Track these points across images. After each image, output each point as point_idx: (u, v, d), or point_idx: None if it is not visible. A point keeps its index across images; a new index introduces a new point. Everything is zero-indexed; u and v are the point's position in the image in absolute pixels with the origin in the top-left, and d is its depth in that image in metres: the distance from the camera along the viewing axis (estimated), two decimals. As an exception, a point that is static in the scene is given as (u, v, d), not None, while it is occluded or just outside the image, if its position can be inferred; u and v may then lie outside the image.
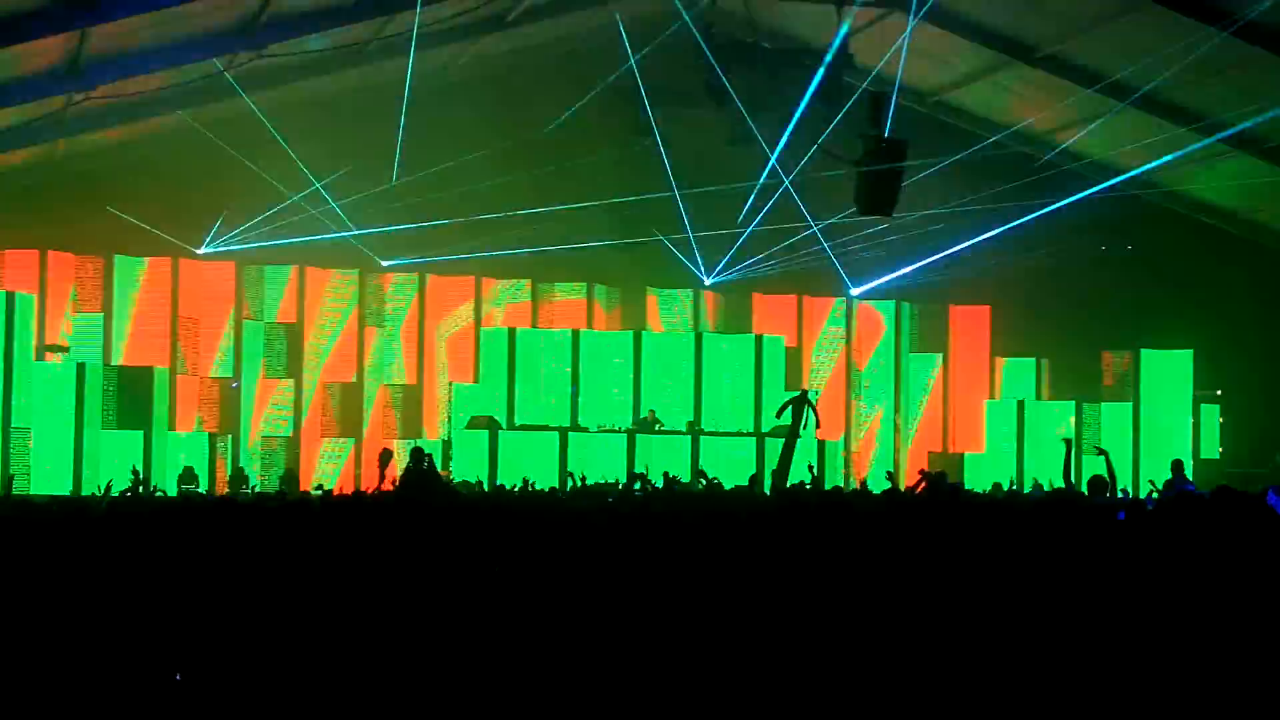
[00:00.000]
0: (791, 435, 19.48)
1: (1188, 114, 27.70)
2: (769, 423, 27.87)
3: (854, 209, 24.44)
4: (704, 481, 20.81)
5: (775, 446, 24.00)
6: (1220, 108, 27.31)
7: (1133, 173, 28.64)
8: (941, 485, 19.58)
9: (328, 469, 30.74)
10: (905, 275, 31.55)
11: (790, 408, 22.34)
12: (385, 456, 17.84)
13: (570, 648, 7.10)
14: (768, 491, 20.58)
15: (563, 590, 8.13)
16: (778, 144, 27.52)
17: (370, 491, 16.95)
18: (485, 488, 23.30)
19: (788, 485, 19.54)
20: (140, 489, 18.91)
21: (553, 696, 6.64)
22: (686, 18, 25.35)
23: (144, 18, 21.32)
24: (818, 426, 23.93)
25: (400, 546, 9.27)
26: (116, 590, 7.81)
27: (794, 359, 32.67)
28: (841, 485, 27.91)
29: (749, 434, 29.14)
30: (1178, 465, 22.16)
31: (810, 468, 20.40)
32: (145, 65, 24.04)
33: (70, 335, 29.28)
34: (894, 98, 23.89)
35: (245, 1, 22.85)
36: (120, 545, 9.49)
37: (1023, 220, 28.34)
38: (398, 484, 17.40)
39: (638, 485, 17.47)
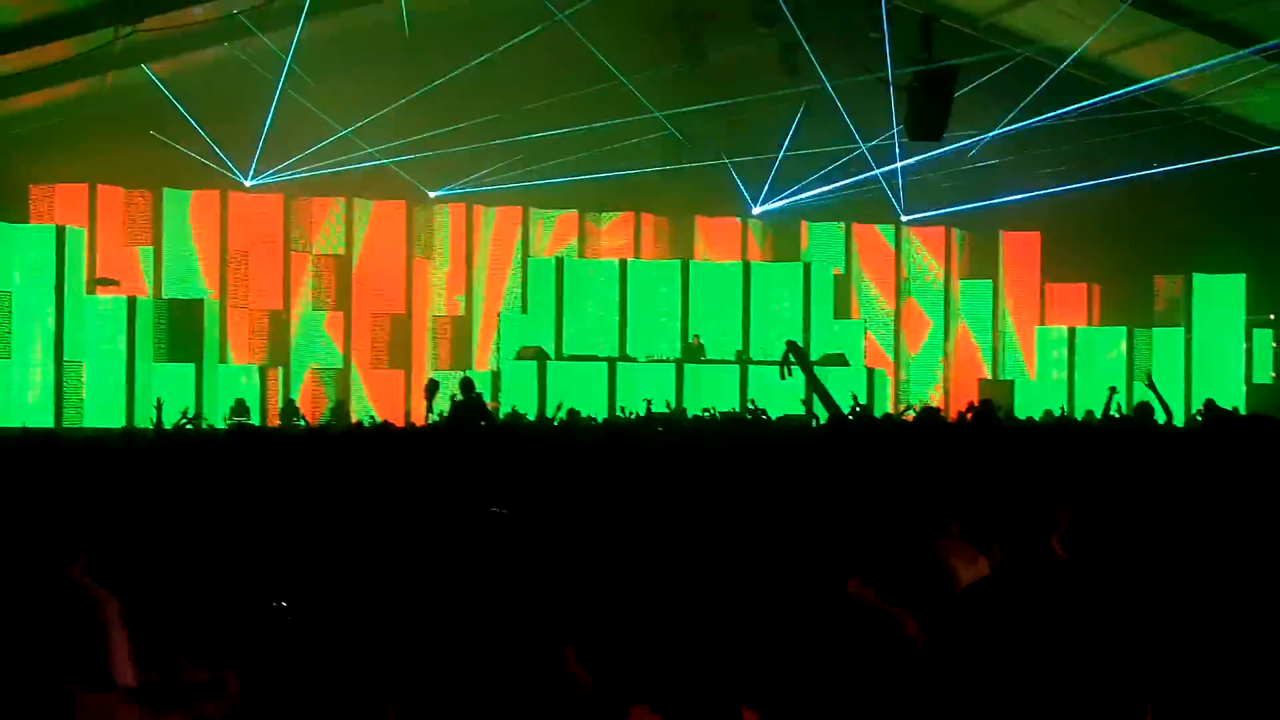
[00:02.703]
0: (810, 377, 19.42)
1: (1245, 35, 27.31)
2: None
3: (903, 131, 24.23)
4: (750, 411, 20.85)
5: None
6: (1276, 29, 26.92)
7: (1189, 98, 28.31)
8: (990, 414, 19.56)
9: (377, 400, 30.82)
10: (955, 200, 31.36)
11: (789, 360, 22.22)
12: (432, 387, 17.93)
13: (625, 572, 7.10)
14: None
15: (615, 517, 8.14)
16: (827, 68, 27.37)
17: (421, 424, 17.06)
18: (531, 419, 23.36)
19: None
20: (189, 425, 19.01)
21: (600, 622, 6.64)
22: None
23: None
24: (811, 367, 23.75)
25: (450, 476, 9.29)
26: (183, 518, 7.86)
27: (842, 286, 32.50)
28: (890, 412, 27.77)
29: (794, 363, 28.99)
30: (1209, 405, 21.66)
31: (854, 398, 20.31)
32: (192, -2, 24.00)
33: (120, 268, 29.40)
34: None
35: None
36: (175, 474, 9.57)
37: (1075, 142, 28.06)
38: (448, 415, 17.48)
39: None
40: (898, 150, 29.49)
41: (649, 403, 22.99)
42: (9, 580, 4.61)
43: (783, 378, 25.59)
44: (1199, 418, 18.11)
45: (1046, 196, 30.26)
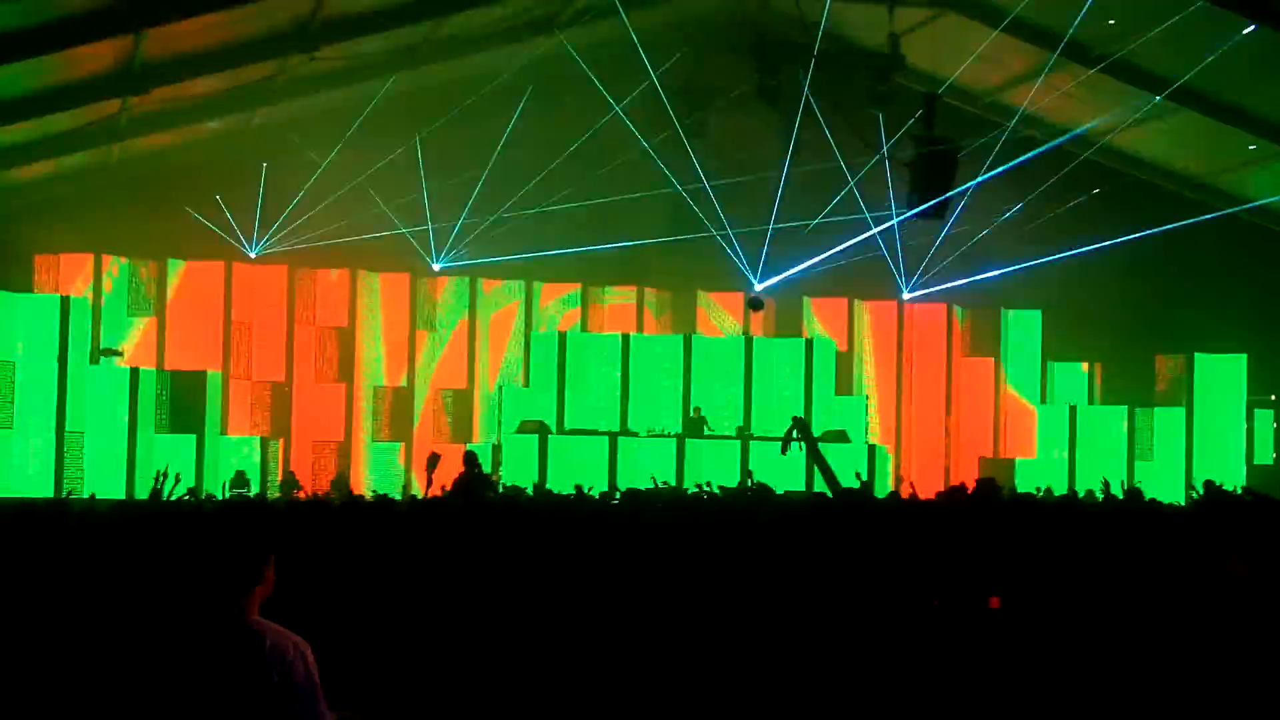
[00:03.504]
0: (814, 452, 19.36)
1: (1246, 117, 27.53)
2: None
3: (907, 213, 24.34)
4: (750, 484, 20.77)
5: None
6: (1275, 108, 27.16)
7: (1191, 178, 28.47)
8: (993, 493, 19.49)
9: (379, 473, 30.77)
10: (959, 280, 31.41)
11: (793, 436, 22.20)
12: (433, 460, 17.89)
13: (617, 648, 7.09)
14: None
15: (614, 593, 8.12)
16: (829, 146, 27.56)
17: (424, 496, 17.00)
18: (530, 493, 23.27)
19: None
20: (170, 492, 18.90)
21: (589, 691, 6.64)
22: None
23: (197, 21, 21.44)
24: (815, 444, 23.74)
25: (451, 550, 9.28)
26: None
27: (844, 362, 32.53)
28: (894, 491, 27.70)
29: (799, 439, 28.93)
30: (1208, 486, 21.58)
31: (858, 475, 20.27)
32: (199, 69, 24.14)
33: (125, 339, 29.43)
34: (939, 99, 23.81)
35: (298, 4, 22.91)
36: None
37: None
38: (452, 489, 17.44)
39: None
40: (897, 232, 29.70)
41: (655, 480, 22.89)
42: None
43: (783, 452, 25.63)
44: (1194, 496, 18.04)
45: (1048, 275, 30.30)
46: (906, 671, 6.27)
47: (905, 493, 20.80)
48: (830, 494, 19.46)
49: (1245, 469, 30.89)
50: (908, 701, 6.17)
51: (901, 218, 27.70)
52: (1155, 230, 28.72)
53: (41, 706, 6.71)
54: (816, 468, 19.96)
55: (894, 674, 6.30)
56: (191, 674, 4.72)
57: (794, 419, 23.45)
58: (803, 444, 21.46)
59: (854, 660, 6.45)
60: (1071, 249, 29.55)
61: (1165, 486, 24.99)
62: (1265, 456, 31.76)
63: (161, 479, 15.06)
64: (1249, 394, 31.74)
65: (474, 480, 17.13)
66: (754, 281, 31.93)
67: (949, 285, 31.74)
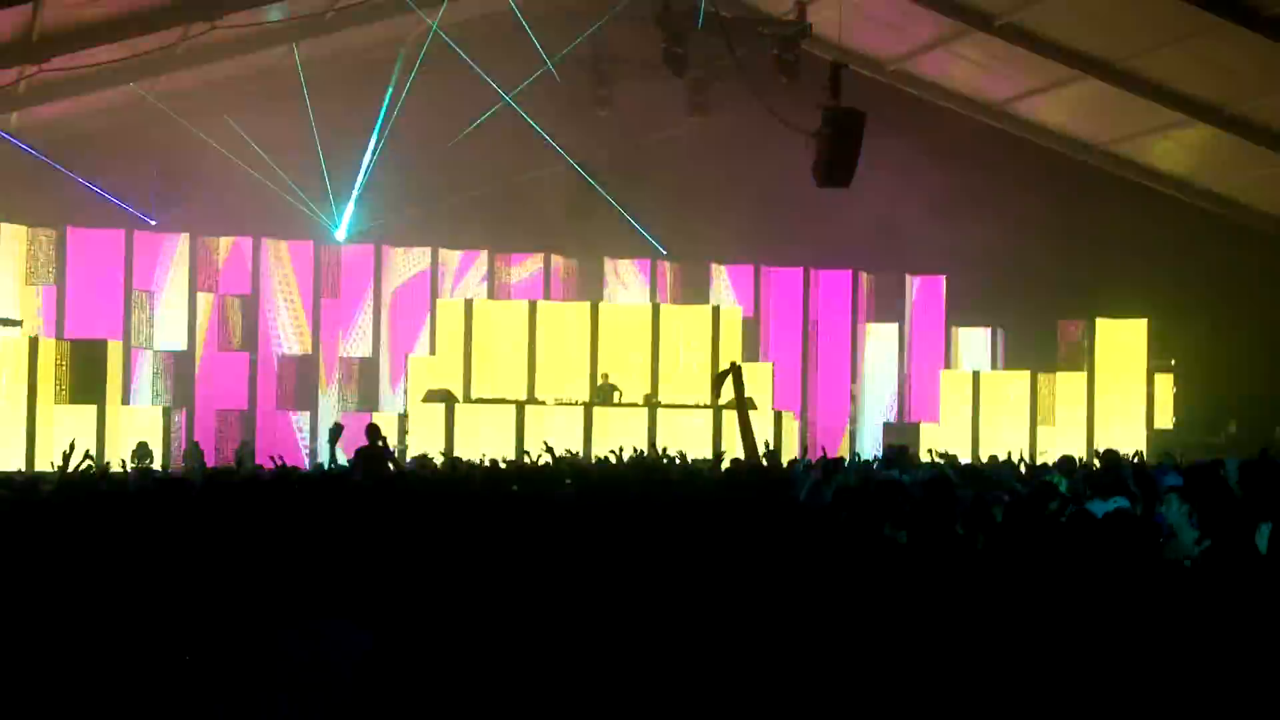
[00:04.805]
0: (741, 410, 19.41)
1: (1148, 84, 27.81)
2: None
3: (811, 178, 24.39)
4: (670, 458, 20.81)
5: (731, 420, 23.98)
6: (1178, 77, 27.45)
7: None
8: (901, 459, 19.66)
9: (282, 442, 30.55)
10: (862, 245, 31.62)
11: (725, 383, 22.27)
12: (336, 430, 17.80)
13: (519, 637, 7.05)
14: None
15: (516, 575, 8.08)
16: (735, 113, 27.58)
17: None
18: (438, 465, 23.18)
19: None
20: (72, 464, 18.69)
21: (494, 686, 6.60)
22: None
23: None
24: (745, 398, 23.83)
25: (341, 527, 9.21)
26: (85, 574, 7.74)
27: (751, 330, 32.64)
28: (798, 457, 27.84)
29: (706, 406, 29.05)
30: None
31: (766, 444, 20.36)
32: (99, 38, 23.78)
33: (23, 308, 29.03)
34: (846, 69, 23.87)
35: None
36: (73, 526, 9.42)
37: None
38: (352, 461, 17.38)
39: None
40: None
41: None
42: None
43: (714, 396, 25.69)
44: (1096, 465, 18.20)
45: (953, 241, 30.53)
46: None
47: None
48: (745, 452, 19.59)
49: (1146, 433, 31.26)
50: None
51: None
52: (1055, 193, 29.03)
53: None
54: (740, 424, 20.01)
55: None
56: None
57: (732, 364, 23.53)
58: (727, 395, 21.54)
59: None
60: (976, 215, 29.79)
61: (1067, 451, 25.18)
62: (1165, 421, 32.13)
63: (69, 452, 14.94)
64: (1150, 359, 32.09)
65: (373, 453, 17.03)
66: (661, 248, 31.98)
67: (855, 252, 31.93)
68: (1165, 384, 32.26)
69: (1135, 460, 18.60)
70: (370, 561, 7.56)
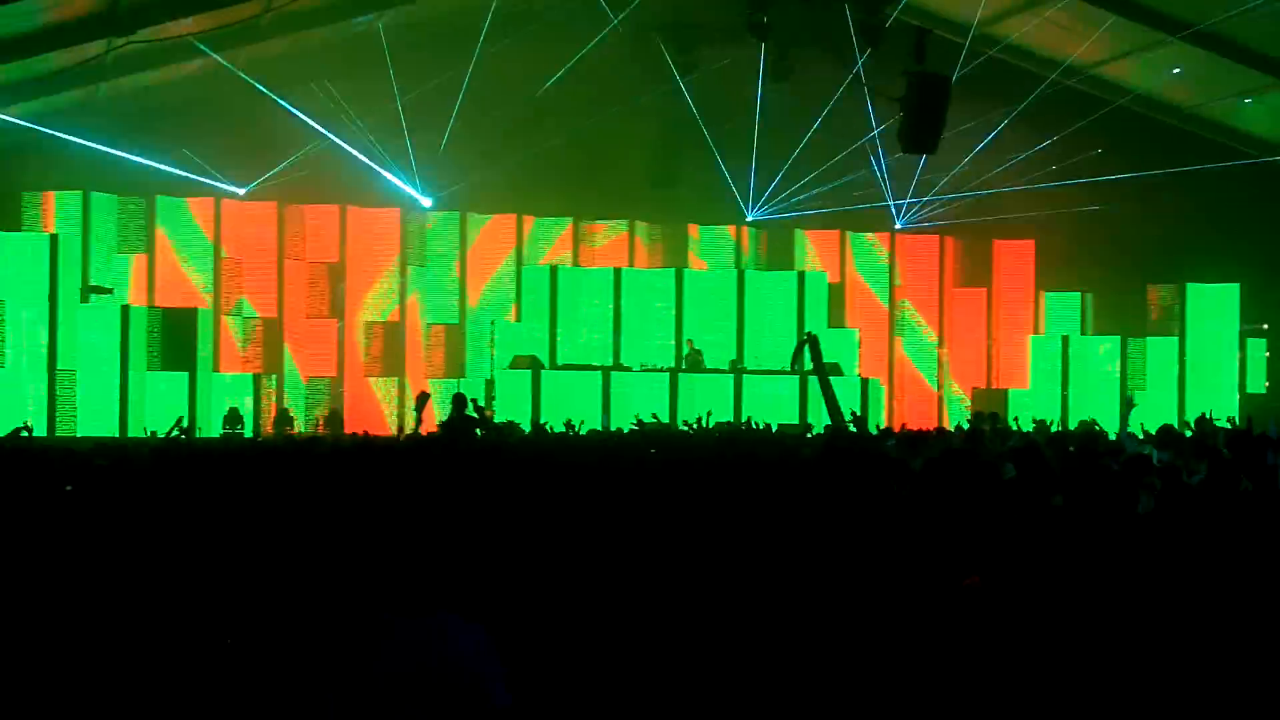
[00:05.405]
0: (823, 379, 19.34)
1: (1236, 48, 27.39)
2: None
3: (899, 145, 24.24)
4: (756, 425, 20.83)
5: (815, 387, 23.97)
6: (1268, 42, 27.01)
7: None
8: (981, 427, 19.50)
9: (371, 408, 30.81)
10: (950, 209, 31.44)
11: (804, 354, 22.22)
12: (422, 399, 17.93)
13: (613, 595, 7.08)
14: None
15: (600, 536, 8.11)
16: (820, 80, 27.49)
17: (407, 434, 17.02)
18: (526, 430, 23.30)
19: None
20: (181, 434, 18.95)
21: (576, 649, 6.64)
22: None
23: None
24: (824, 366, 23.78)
25: (431, 493, 9.27)
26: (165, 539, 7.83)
27: (836, 295, 32.51)
28: (884, 425, 27.75)
29: (790, 372, 29.00)
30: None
31: (853, 412, 20.32)
32: (184, 9, 23.97)
33: (115, 277, 29.38)
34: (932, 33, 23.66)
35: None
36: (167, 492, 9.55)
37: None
38: (440, 430, 17.49)
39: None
40: (880, 161, 29.70)
41: (639, 419, 22.95)
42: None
43: (793, 369, 25.65)
44: (1188, 432, 18.02)
45: (1039, 206, 30.32)
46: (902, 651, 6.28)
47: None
48: (831, 421, 19.50)
49: (1238, 398, 30.96)
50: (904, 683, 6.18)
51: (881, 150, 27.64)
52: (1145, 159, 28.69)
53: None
54: (821, 392, 19.99)
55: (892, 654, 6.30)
56: None
57: (807, 334, 23.47)
58: (811, 365, 21.47)
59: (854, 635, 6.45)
60: (1062, 180, 29.54)
61: (1158, 416, 24.93)
62: (1258, 385, 31.79)
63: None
64: (1242, 323, 31.73)
65: (459, 422, 17.11)
66: (746, 213, 31.90)
67: (941, 218, 31.76)
68: (1258, 348, 31.91)
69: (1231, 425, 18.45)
70: (477, 540, 7.58)
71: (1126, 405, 19.10)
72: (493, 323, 31.04)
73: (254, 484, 10.06)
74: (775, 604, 6.88)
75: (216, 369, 29.23)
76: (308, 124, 27.59)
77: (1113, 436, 17.62)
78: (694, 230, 33.06)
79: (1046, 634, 5.84)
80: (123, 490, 9.62)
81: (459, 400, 17.61)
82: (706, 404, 26.14)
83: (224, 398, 28.44)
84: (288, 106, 27.07)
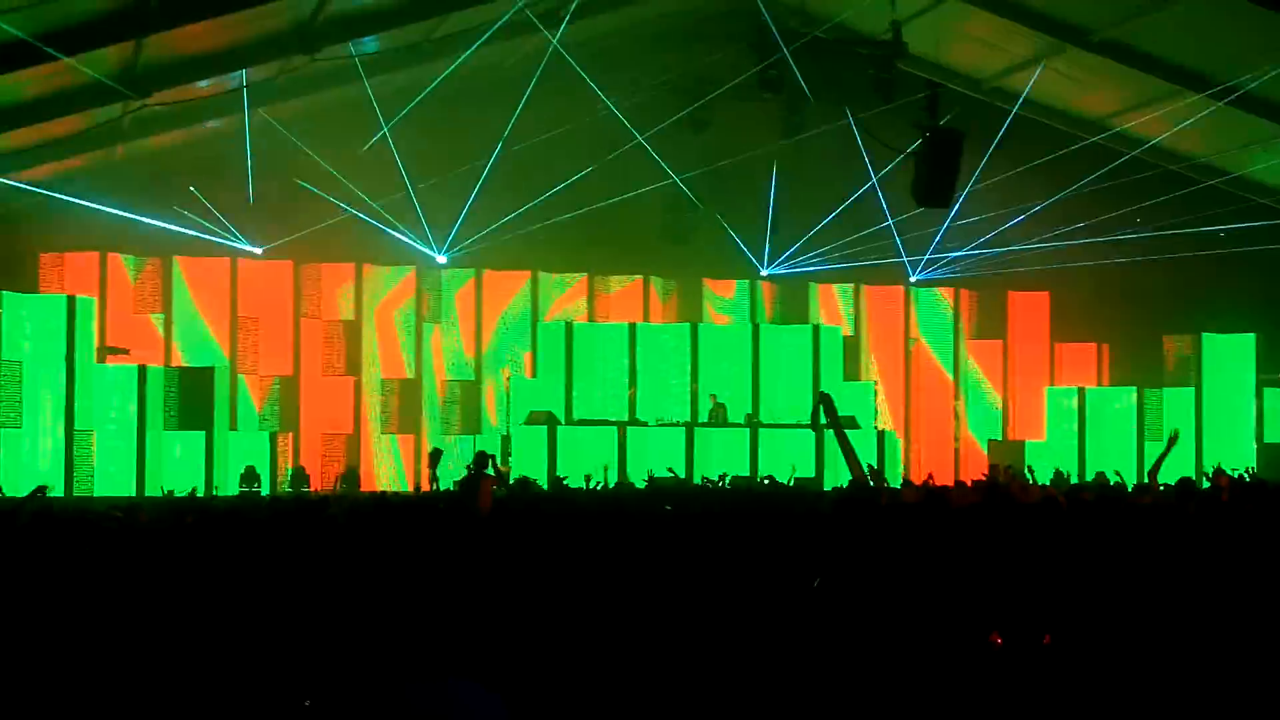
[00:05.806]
0: (840, 435, 19.28)
1: (1244, 97, 27.44)
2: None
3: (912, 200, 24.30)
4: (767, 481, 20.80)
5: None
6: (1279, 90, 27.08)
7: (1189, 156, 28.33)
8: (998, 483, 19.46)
9: (387, 466, 30.84)
10: (964, 262, 31.48)
11: (820, 411, 22.21)
12: (435, 456, 17.94)
13: (619, 650, 7.07)
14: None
15: (614, 593, 8.11)
16: (832, 134, 27.62)
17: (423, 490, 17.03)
18: (544, 485, 23.29)
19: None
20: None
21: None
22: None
23: (198, 25, 21.42)
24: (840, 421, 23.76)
25: (447, 553, 9.27)
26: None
27: (851, 349, 32.52)
28: (904, 478, 27.70)
29: (807, 426, 28.97)
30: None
31: (869, 465, 20.29)
32: (201, 72, 24.16)
33: (131, 336, 29.47)
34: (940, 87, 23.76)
35: (299, 6, 22.88)
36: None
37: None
38: (458, 488, 17.46)
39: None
40: (893, 215, 29.80)
41: (651, 474, 22.97)
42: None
43: (813, 429, 25.63)
44: (1206, 482, 18.00)
45: (1054, 258, 30.35)
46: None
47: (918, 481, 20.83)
48: (852, 475, 19.46)
49: (1256, 448, 30.87)
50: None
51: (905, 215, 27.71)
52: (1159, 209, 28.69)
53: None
54: (839, 448, 19.96)
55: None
56: None
57: (820, 394, 23.45)
58: (827, 422, 21.46)
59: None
60: (1077, 231, 29.58)
61: (1175, 467, 24.89)
62: (1276, 435, 31.68)
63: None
64: (1258, 373, 31.66)
65: (478, 481, 17.05)
66: (760, 269, 31.96)
67: (955, 270, 31.81)
68: (1275, 398, 31.82)
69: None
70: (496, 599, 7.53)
71: (1172, 440, 19.01)
72: (510, 379, 30.82)
73: (268, 545, 10.06)
74: (799, 667, 6.87)
75: (233, 427, 29.26)
76: (324, 183, 27.73)
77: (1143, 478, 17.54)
78: (710, 284, 33.11)
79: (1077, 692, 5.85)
80: (131, 552, 9.61)
81: (480, 459, 17.58)
82: (723, 458, 26.17)
83: (241, 457, 28.45)
84: (303, 165, 27.20)
